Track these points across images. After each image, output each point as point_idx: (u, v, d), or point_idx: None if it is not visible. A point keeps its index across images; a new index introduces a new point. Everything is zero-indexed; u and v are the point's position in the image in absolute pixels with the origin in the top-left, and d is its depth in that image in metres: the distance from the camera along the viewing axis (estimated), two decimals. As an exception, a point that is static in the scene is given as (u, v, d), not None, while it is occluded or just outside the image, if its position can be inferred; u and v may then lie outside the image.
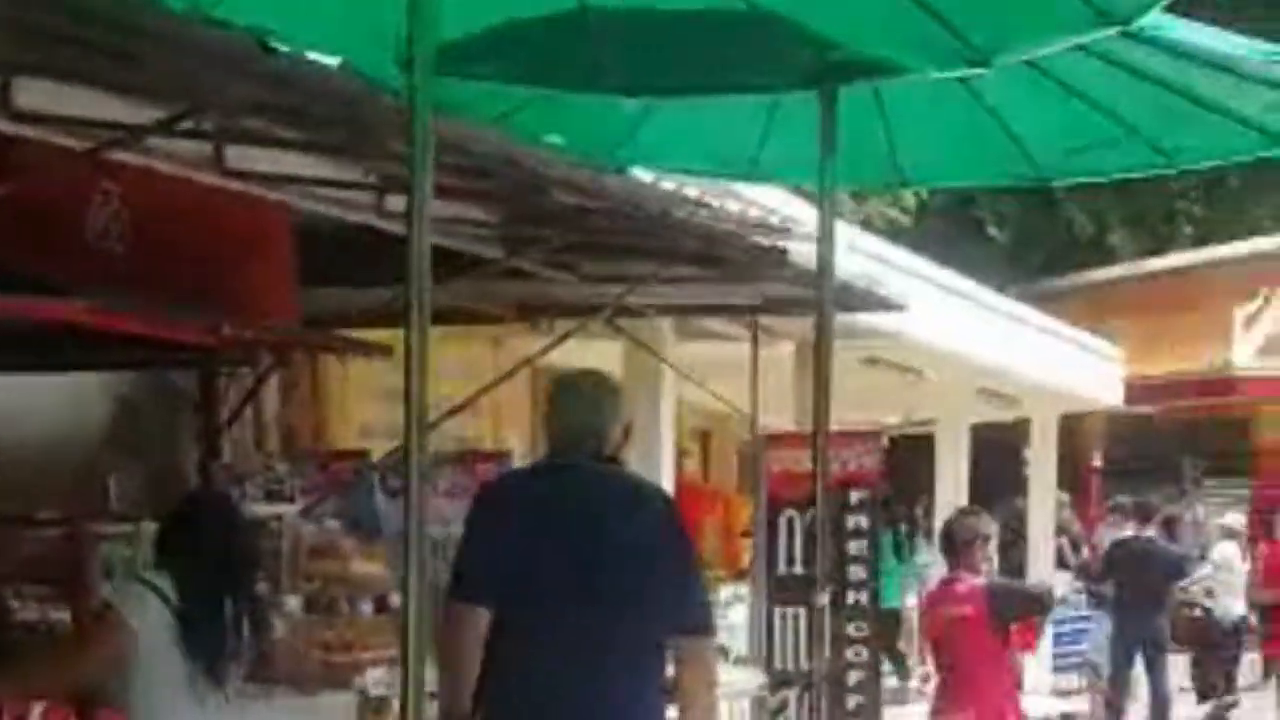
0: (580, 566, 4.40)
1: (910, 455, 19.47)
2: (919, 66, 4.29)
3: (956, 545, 7.97)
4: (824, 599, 5.25)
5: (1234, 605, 16.06)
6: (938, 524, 17.32)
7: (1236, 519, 18.09)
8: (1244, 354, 23.76)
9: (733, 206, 6.57)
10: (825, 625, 5.39)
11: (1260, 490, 24.72)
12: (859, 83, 4.47)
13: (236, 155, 6.03)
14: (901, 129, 5.19)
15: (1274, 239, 25.74)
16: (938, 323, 12.73)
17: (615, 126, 5.24)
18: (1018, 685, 8.28)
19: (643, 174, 5.85)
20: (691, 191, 6.18)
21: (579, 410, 4.58)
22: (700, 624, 4.56)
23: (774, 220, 6.59)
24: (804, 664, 9.61)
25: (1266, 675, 13.91)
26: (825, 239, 4.72)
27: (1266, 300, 23.90)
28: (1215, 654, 16.00)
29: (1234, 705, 16.04)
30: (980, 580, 7.80)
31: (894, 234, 17.30)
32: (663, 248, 7.02)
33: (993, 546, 12.15)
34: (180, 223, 6.58)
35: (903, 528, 19.73)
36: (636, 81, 4.51)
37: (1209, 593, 15.73)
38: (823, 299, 4.84)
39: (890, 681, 18.03)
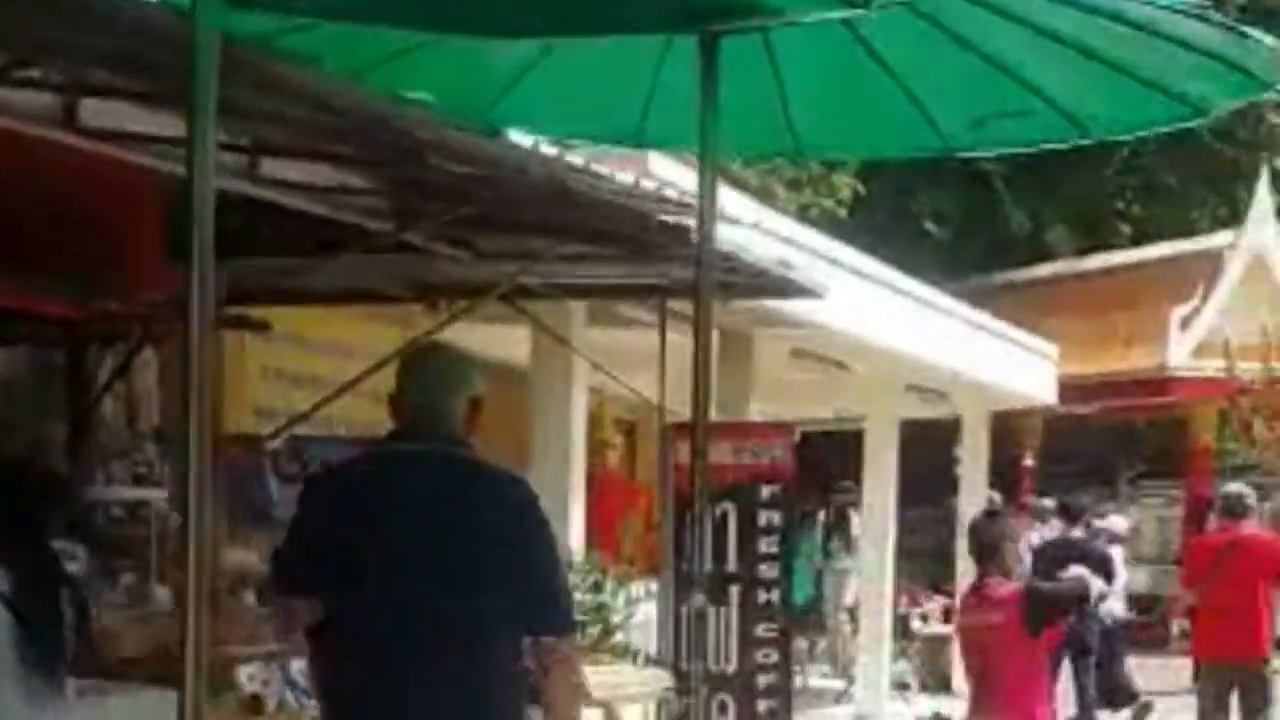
0: (419, 561, 4.01)
1: (840, 451, 19.20)
2: (795, 4, 3.93)
3: (985, 548, 7.61)
4: (699, 600, 4.88)
5: (1116, 608, 15.91)
6: (864, 521, 17.22)
7: (1119, 521, 17.95)
8: (1179, 354, 23.64)
9: (625, 178, 6.18)
10: (703, 630, 4.99)
11: (1194, 491, 24.63)
12: (737, 26, 4.10)
13: (93, 113, 5.60)
14: (798, 95, 4.86)
15: (1211, 239, 25.66)
16: (867, 316, 12.47)
17: (488, 85, 4.87)
18: (1052, 693, 7.93)
19: (521, 139, 5.45)
20: (576, 159, 5.79)
21: (422, 388, 4.19)
22: (558, 623, 4.16)
23: (674, 194, 6.20)
24: (713, 666, 9.32)
25: (1196, 677, 13.64)
26: (706, 201, 4.35)
27: (1203, 301, 23.79)
28: (1102, 658, 15.79)
29: (1148, 707, 15.84)
30: (1014, 584, 7.44)
31: (830, 226, 16.99)
32: (560, 223, 6.62)
33: (1023, 546, 11.92)
34: (39, 187, 6.16)
35: (820, 521, 19.47)
36: (497, 21, 4.12)
37: (1102, 596, 15.55)
38: (701, 279, 4.46)
39: (814, 681, 17.82)
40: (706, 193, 4.39)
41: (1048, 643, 7.55)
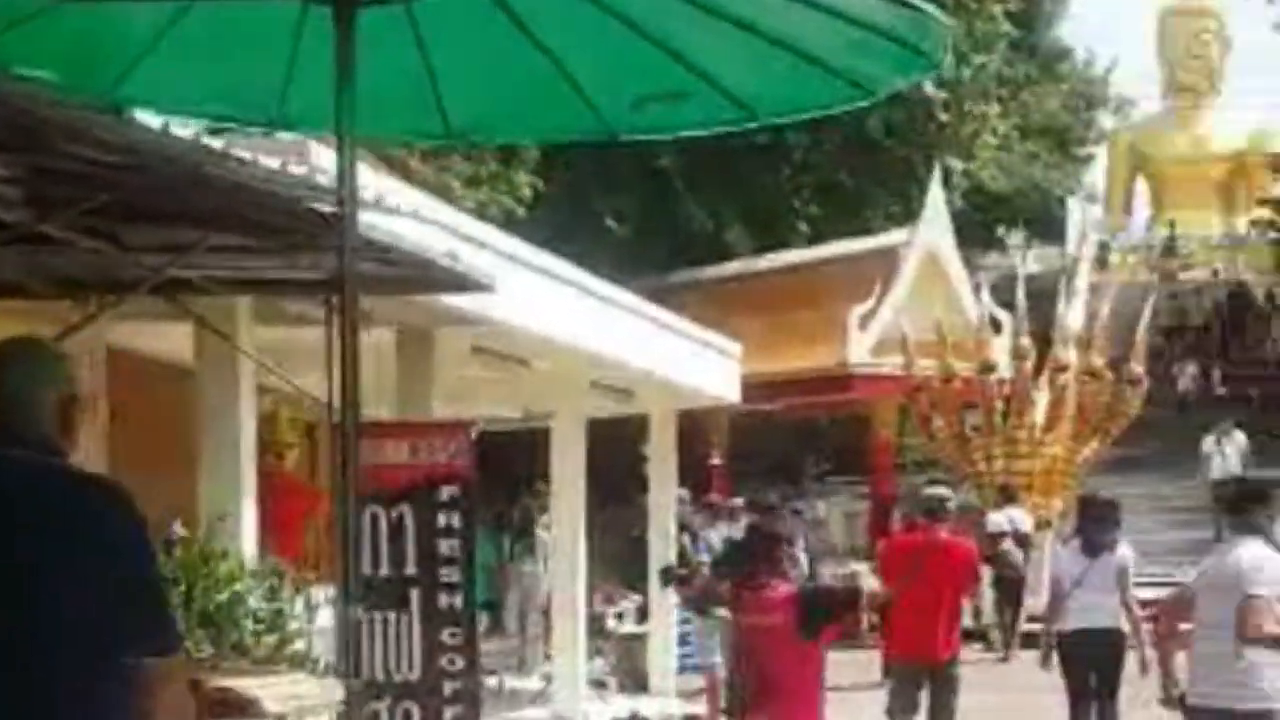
0: (11, 573, 3.64)
1: (529, 451, 19.01)
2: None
3: (760, 550, 7.46)
4: (357, 612, 4.59)
5: None
6: (553, 520, 17.06)
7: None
8: (859, 352, 24.03)
9: (272, 163, 5.82)
10: (350, 640, 4.70)
11: (878, 487, 25.10)
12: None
13: None
14: (446, 74, 4.61)
15: (886, 237, 26.18)
16: (549, 313, 12.30)
17: (112, 60, 4.50)
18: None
19: (151, 119, 5.06)
20: (232, 145, 5.41)
21: (4, 386, 3.80)
22: (160, 642, 3.83)
23: (325, 180, 5.85)
24: (395, 674, 9.02)
25: (886, 672, 13.77)
26: (346, 185, 4.05)
27: (880, 298, 24.20)
28: None
29: None
30: (788, 586, 7.31)
31: (511, 225, 16.80)
32: (206, 213, 6.23)
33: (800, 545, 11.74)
34: None
35: (507, 522, 19.31)
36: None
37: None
38: (344, 267, 4.17)
39: (511, 683, 17.62)
40: (346, 176, 4.10)
41: (822, 645, 7.48)
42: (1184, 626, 7.74)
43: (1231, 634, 7.18)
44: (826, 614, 7.46)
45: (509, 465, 19.65)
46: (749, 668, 7.59)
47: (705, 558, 16.21)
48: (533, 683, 17.80)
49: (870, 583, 7.64)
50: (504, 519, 19.27)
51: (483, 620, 17.88)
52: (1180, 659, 7.80)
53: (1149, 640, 11.27)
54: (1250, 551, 7.30)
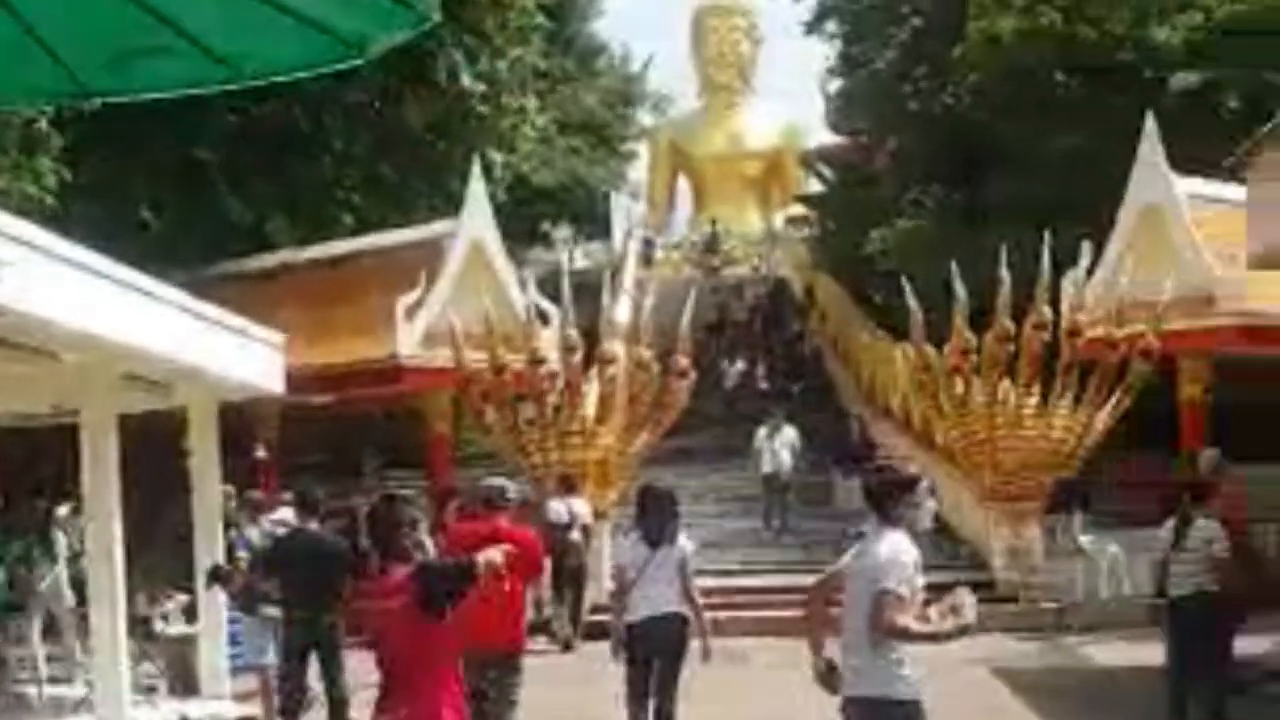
0: None
1: (54, 448, 18.30)
2: None
3: (382, 535, 7.43)
4: None
5: None
6: (87, 520, 16.41)
7: (287, 513, 18.11)
8: (408, 344, 23.87)
9: None
10: None
11: (437, 481, 25.02)
12: None
13: None
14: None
15: (430, 228, 26.14)
16: (71, 302, 11.85)
17: None
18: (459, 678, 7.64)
19: None
20: None
21: None
22: None
23: None
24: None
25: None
26: None
27: (426, 290, 24.12)
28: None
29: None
30: (406, 568, 7.30)
31: (37, 215, 16.10)
32: None
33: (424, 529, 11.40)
34: None
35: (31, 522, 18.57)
36: None
37: None
38: None
39: (52, 690, 16.96)
40: None
41: (450, 627, 7.38)
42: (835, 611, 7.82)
43: (869, 625, 7.34)
44: (445, 586, 7.43)
45: (33, 464, 18.87)
46: (380, 656, 7.52)
47: (244, 554, 15.93)
48: (76, 690, 17.19)
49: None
50: (24, 520, 18.48)
51: (11, 627, 17.19)
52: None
53: (710, 629, 11.66)
54: (888, 544, 7.41)
